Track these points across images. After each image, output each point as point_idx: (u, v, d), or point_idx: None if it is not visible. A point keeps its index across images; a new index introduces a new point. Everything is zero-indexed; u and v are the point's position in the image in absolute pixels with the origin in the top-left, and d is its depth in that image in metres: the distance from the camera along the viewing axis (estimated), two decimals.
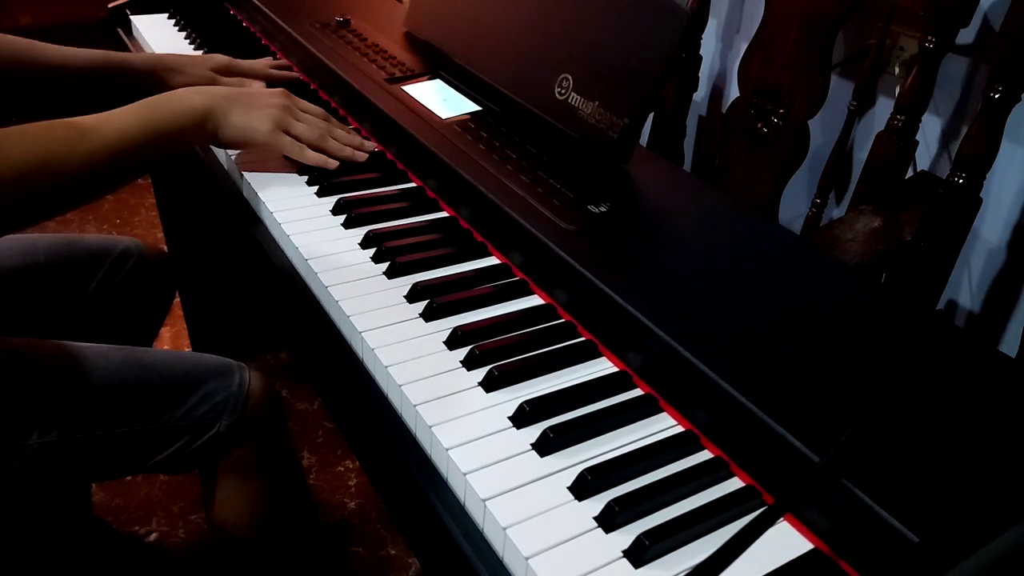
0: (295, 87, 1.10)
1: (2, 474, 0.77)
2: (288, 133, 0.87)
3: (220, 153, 0.96)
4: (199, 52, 1.22)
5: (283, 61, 1.16)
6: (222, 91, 0.86)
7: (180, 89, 0.84)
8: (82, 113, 0.76)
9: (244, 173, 0.89)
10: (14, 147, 0.68)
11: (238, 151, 0.92)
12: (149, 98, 0.81)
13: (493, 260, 0.78)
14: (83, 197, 0.76)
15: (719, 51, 1.47)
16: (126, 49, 1.29)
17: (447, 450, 0.56)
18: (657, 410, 0.61)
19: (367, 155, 0.92)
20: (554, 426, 0.57)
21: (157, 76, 1.04)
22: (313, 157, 0.88)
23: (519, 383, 0.63)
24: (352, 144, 0.92)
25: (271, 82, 1.08)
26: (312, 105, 0.92)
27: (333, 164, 0.88)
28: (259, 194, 0.85)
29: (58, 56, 1.01)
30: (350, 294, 0.71)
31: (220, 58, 1.08)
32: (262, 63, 1.12)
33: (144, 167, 0.82)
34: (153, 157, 0.80)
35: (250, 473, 0.93)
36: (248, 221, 0.87)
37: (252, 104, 0.86)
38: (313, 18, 1.19)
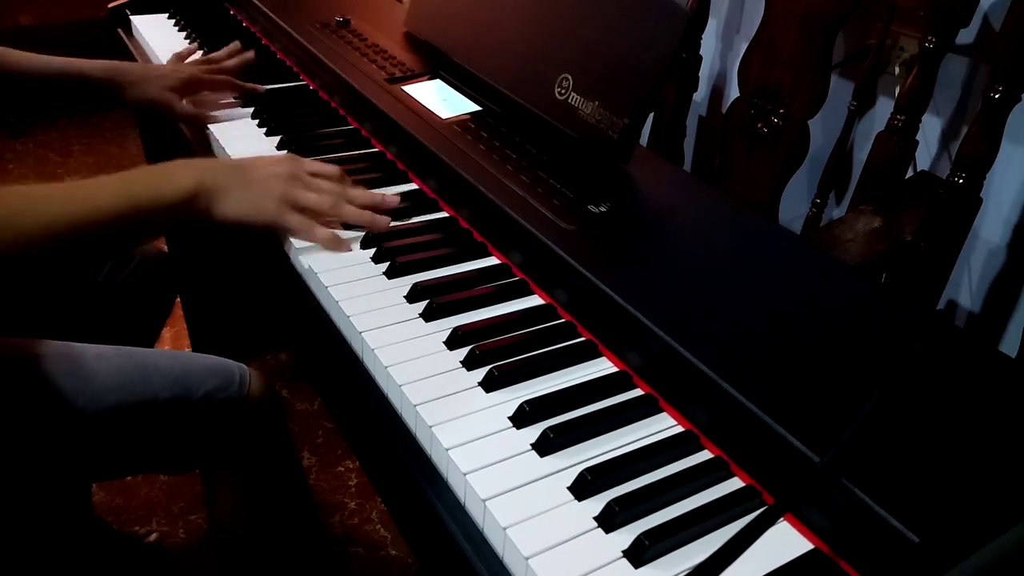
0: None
1: (2, 473, 0.77)
2: (297, 206, 0.77)
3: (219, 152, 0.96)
4: (199, 53, 1.22)
5: (251, 57, 1.12)
6: (218, 166, 0.79)
7: (172, 163, 0.77)
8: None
9: None
10: None
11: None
12: (135, 170, 0.76)
13: (493, 260, 0.78)
14: (44, 259, 0.71)
15: (719, 51, 1.47)
16: (126, 49, 1.29)
17: (447, 450, 0.56)
18: (657, 410, 0.61)
19: (389, 219, 0.81)
20: (554, 426, 0.57)
21: (114, 86, 1.02)
22: (325, 238, 0.77)
23: (519, 383, 0.63)
24: (373, 203, 0.81)
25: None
26: (323, 165, 0.82)
27: (347, 249, 0.77)
28: None
29: (26, 63, 1.00)
30: (350, 294, 0.71)
31: (184, 71, 1.04)
32: (228, 66, 1.08)
33: (124, 241, 0.77)
34: (134, 234, 0.76)
35: (250, 473, 0.93)
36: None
37: (252, 179, 0.77)
38: (313, 18, 1.19)
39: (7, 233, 0.66)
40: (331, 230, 0.78)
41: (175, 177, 0.75)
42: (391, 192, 0.87)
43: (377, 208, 0.81)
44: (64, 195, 0.70)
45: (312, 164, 0.82)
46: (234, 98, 1.06)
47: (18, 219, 0.66)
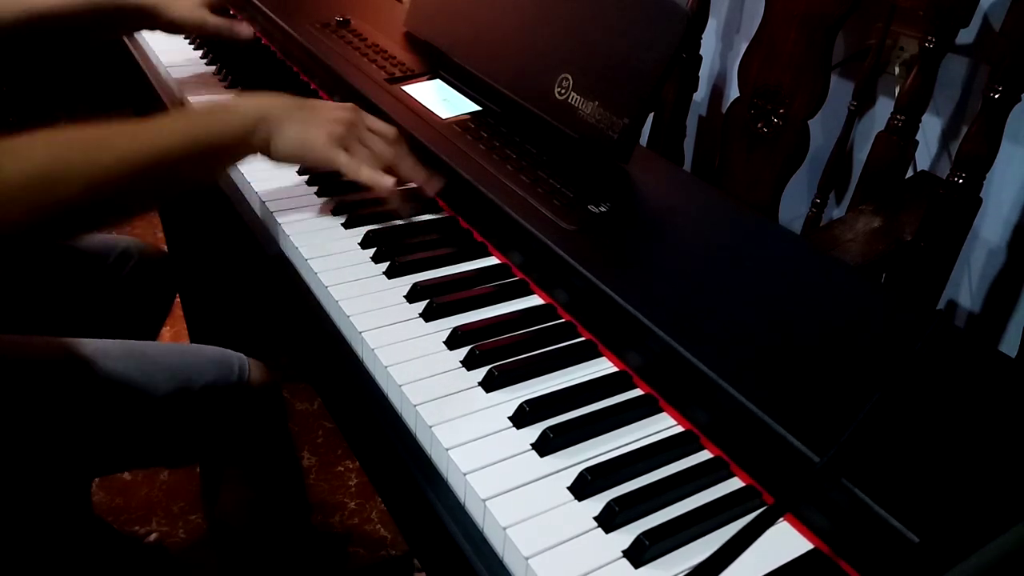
0: (290, 81, 1.11)
1: (3, 471, 0.77)
2: (348, 151, 0.79)
3: None
4: (199, 52, 1.22)
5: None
6: (280, 101, 0.79)
7: (234, 98, 0.78)
8: (99, 108, 0.73)
9: (243, 172, 0.88)
10: (23, 153, 0.62)
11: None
12: (196, 106, 0.77)
13: (493, 260, 0.78)
14: (108, 212, 0.71)
15: (719, 51, 1.47)
16: (126, 49, 1.29)
17: (447, 450, 0.56)
18: (657, 410, 0.61)
19: (437, 189, 0.82)
20: (554, 426, 0.57)
21: (147, 10, 1.04)
22: (369, 176, 0.78)
23: (519, 383, 0.63)
24: (417, 178, 0.82)
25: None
26: (383, 124, 0.83)
27: (390, 182, 0.78)
28: (259, 195, 0.85)
29: (46, 3, 0.99)
30: (350, 294, 0.71)
31: None
32: None
33: (185, 182, 0.76)
34: (195, 171, 0.75)
35: (252, 462, 0.93)
36: (247, 220, 0.87)
37: (311, 117, 0.79)
38: (313, 18, 1.19)
39: (76, 177, 0.64)
40: (377, 171, 0.79)
41: (239, 109, 0.77)
42: None
43: (421, 182, 0.83)
44: (131, 134, 0.69)
45: (372, 120, 0.83)
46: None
47: (88, 160, 0.65)
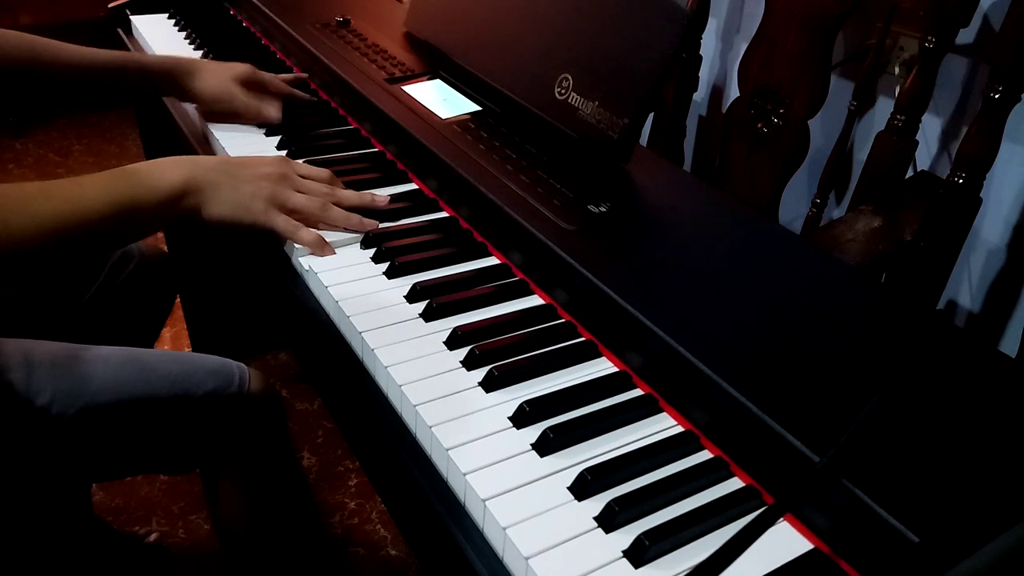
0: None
1: (3, 474, 0.77)
2: (284, 208, 0.77)
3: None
4: (199, 52, 1.22)
5: (302, 76, 1.11)
6: (208, 163, 0.77)
7: (159, 160, 0.76)
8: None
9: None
10: None
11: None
12: (122, 168, 0.74)
13: (493, 260, 0.78)
14: (22, 271, 0.68)
15: (719, 51, 1.47)
16: (126, 49, 1.29)
17: (447, 450, 0.56)
18: (657, 410, 0.61)
19: (377, 223, 0.80)
20: (554, 426, 0.57)
21: (173, 79, 0.99)
22: (310, 241, 0.76)
23: (519, 383, 0.63)
24: (362, 204, 0.81)
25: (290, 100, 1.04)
26: (314, 168, 0.83)
27: (331, 252, 0.77)
28: None
29: (76, 56, 0.97)
30: (350, 294, 0.71)
31: (242, 67, 1.01)
32: (283, 79, 1.05)
33: (111, 241, 0.75)
34: (119, 235, 0.74)
35: (250, 473, 0.93)
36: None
37: (241, 179, 0.77)
38: (313, 18, 1.19)
39: (9, 229, 0.64)
40: (317, 232, 0.77)
41: (164, 173, 0.74)
42: (391, 192, 0.87)
43: (366, 209, 0.81)
44: (51, 195, 0.68)
45: (302, 167, 0.82)
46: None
47: (5, 221, 0.64)
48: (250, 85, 1.01)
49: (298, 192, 0.79)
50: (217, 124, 1.00)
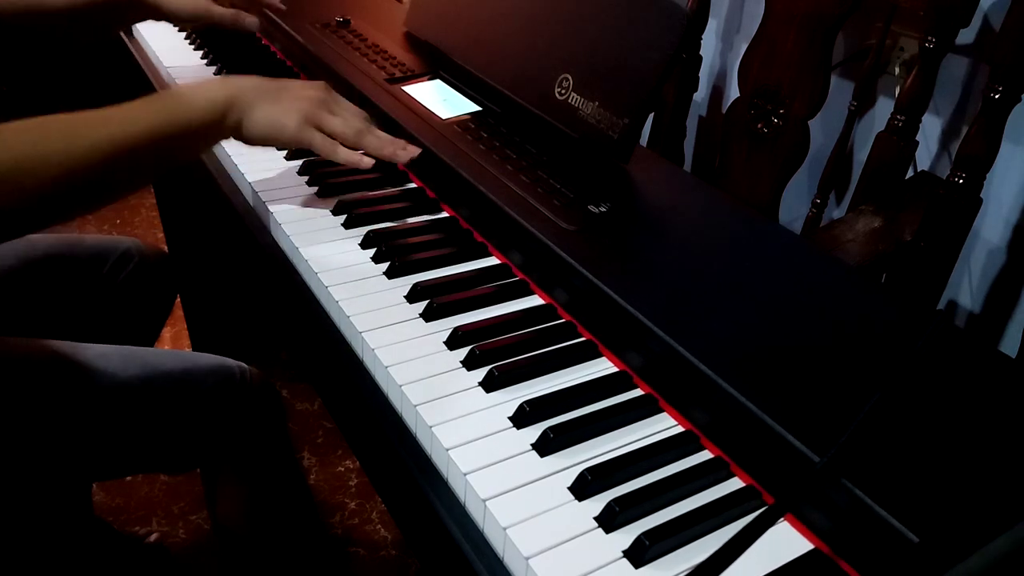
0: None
1: (3, 473, 0.77)
2: (321, 129, 0.81)
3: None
4: (199, 52, 1.22)
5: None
6: (249, 82, 0.79)
7: (202, 81, 0.79)
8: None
9: (243, 172, 0.88)
10: (2, 143, 0.62)
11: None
12: (166, 90, 0.77)
13: (493, 260, 0.78)
14: (82, 200, 0.70)
15: (719, 51, 1.47)
16: (126, 49, 1.29)
17: (447, 450, 0.56)
18: (657, 410, 0.61)
19: (411, 157, 0.84)
20: (554, 426, 0.57)
21: (154, 3, 1.02)
22: (346, 156, 0.80)
23: (519, 383, 0.63)
24: (394, 144, 0.85)
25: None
26: (351, 104, 0.87)
27: (368, 163, 0.81)
28: (259, 194, 0.85)
29: (58, 1, 0.98)
30: (350, 294, 0.71)
31: None
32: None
33: (159, 167, 0.76)
34: (168, 156, 0.75)
35: (250, 472, 0.93)
36: (248, 221, 0.87)
37: (281, 97, 0.79)
38: (313, 18, 1.19)
39: (52, 164, 0.64)
40: (353, 152, 0.80)
41: (208, 92, 0.77)
42: (391, 192, 0.87)
43: (399, 148, 0.84)
44: (103, 121, 0.69)
45: (341, 98, 0.85)
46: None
47: (61, 147, 0.65)
48: (224, 2, 1.06)
49: (335, 117, 0.81)
50: None
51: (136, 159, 0.71)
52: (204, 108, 0.76)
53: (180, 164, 0.81)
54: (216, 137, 0.79)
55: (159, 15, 1.05)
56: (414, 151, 0.85)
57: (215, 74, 1.15)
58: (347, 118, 0.83)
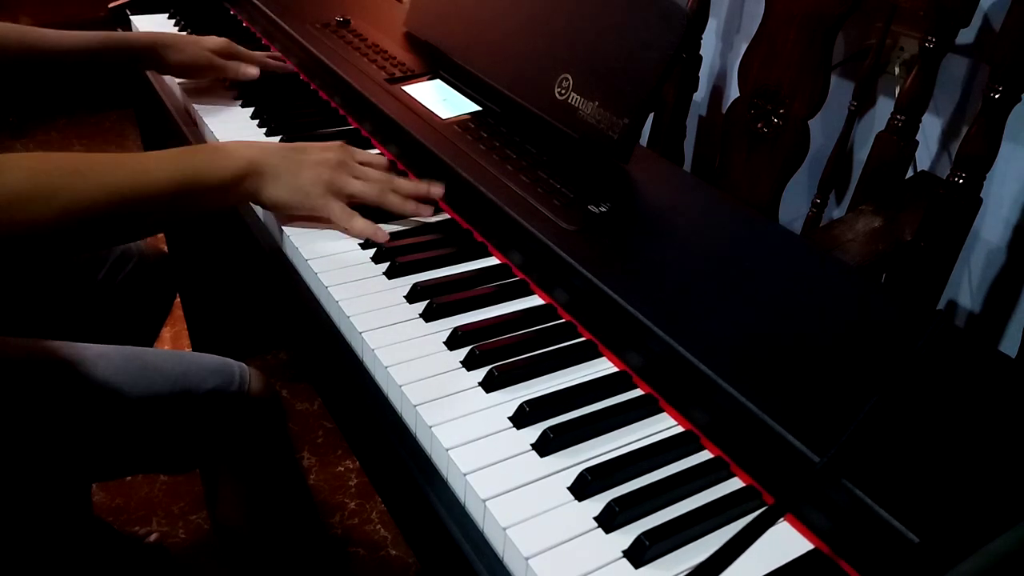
0: (290, 81, 1.12)
1: (3, 473, 0.77)
2: (343, 193, 0.79)
3: None
4: None
5: (278, 55, 1.18)
6: (270, 148, 0.78)
7: (225, 142, 0.77)
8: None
9: None
10: (11, 170, 0.62)
11: None
12: (189, 147, 0.76)
13: (493, 260, 0.78)
14: (78, 241, 0.70)
15: (719, 51, 1.47)
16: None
17: (447, 450, 0.56)
18: (657, 410, 0.61)
19: (432, 208, 0.82)
20: (554, 426, 0.57)
21: (155, 53, 1.04)
22: (362, 228, 0.78)
23: (519, 383, 0.63)
24: (418, 194, 0.82)
25: (266, 71, 1.10)
26: (372, 155, 0.84)
27: (383, 237, 0.77)
28: None
29: (63, 40, 1.00)
30: (350, 294, 0.71)
31: (219, 40, 1.08)
32: (260, 54, 1.12)
33: (170, 218, 0.75)
34: (177, 211, 0.74)
35: (250, 473, 0.93)
36: (247, 221, 0.87)
37: (301, 166, 0.78)
38: (313, 18, 1.19)
39: (58, 200, 0.64)
40: (370, 222, 0.78)
41: (229, 155, 0.76)
42: None
43: (422, 197, 0.82)
44: (116, 164, 0.69)
45: (361, 153, 0.84)
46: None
47: (72, 186, 0.65)
48: (226, 56, 1.07)
49: (356, 179, 0.80)
50: (215, 123, 1.00)
51: (143, 208, 0.70)
52: (222, 169, 0.75)
53: (190, 220, 0.81)
54: (230, 200, 0.77)
55: (162, 67, 1.06)
56: (438, 193, 0.83)
57: None
58: (368, 176, 0.80)
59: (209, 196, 0.75)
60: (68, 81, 1.03)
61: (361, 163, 0.82)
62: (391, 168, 0.84)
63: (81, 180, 0.66)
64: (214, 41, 1.07)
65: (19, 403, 0.78)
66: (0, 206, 0.61)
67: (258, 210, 0.86)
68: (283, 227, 0.80)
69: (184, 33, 1.14)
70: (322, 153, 0.80)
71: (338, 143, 0.83)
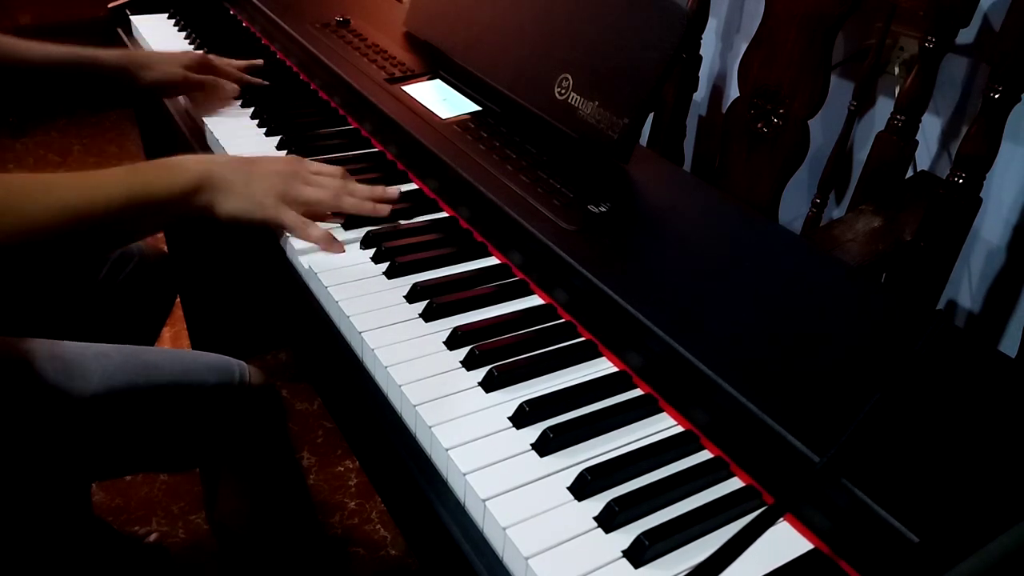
0: (290, 81, 1.12)
1: (3, 472, 0.77)
2: (296, 202, 0.79)
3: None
4: (199, 53, 1.21)
5: (259, 62, 1.14)
6: (221, 160, 0.79)
7: (174, 158, 0.78)
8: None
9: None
10: None
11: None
12: (138, 164, 0.76)
13: (493, 260, 0.78)
14: (37, 256, 0.70)
15: (719, 51, 1.47)
16: (125, 49, 1.29)
17: (447, 450, 0.56)
18: (657, 410, 0.61)
19: (389, 208, 0.82)
20: (554, 426, 0.57)
21: (126, 72, 1.02)
22: (318, 236, 0.77)
23: (519, 383, 0.63)
24: (373, 196, 0.82)
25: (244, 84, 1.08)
26: (325, 165, 0.84)
27: (339, 249, 0.77)
28: None
29: (28, 52, 0.98)
30: (350, 294, 0.71)
31: (193, 54, 1.05)
32: (236, 64, 1.09)
33: (122, 235, 0.77)
34: (134, 225, 0.75)
35: (250, 471, 0.93)
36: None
37: (252, 178, 0.78)
38: (313, 18, 1.19)
39: (9, 220, 0.65)
40: (326, 229, 0.78)
41: (179, 170, 0.76)
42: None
43: (377, 199, 0.82)
44: (69, 183, 0.70)
45: (314, 164, 0.84)
46: (239, 95, 1.07)
47: (22, 206, 0.66)
48: (202, 71, 1.05)
49: (309, 187, 0.80)
50: (216, 124, 1.00)
51: (98, 225, 0.71)
52: (175, 184, 0.75)
53: (144, 235, 0.82)
54: (184, 213, 0.77)
55: (134, 87, 1.03)
56: (392, 195, 0.84)
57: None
58: (322, 183, 0.81)
59: (161, 210, 0.75)
60: (39, 93, 1.03)
61: (314, 172, 0.82)
62: (345, 175, 0.84)
63: (31, 200, 0.67)
64: (188, 57, 1.05)
65: (19, 402, 0.78)
66: None
67: None
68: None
69: (158, 51, 1.11)
70: (273, 164, 0.80)
71: (290, 156, 0.84)
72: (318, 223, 0.79)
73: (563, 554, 0.49)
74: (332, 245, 0.77)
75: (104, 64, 1.02)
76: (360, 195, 0.82)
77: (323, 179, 0.81)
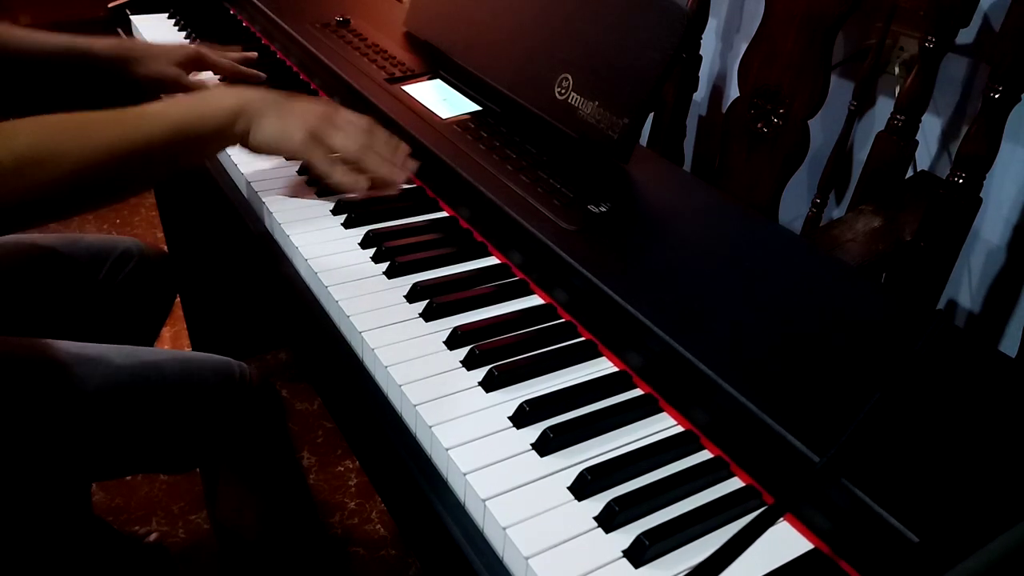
0: (290, 81, 1.11)
1: (3, 472, 0.77)
2: (324, 143, 0.81)
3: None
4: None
5: (253, 55, 1.13)
6: (259, 94, 0.81)
7: (213, 90, 0.80)
8: (48, 97, 0.73)
9: (244, 173, 0.88)
10: (18, 135, 0.64)
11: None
12: (181, 96, 0.78)
13: (493, 260, 0.78)
14: (90, 197, 0.72)
15: (719, 51, 1.47)
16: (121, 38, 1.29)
17: (447, 450, 0.56)
18: (657, 410, 0.61)
19: (407, 175, 0.85)
20: (554, 426, 0.57)
21: (120, 62, 1.02)
22: (340, 180, 0.81)
23: (519, 383, 0.63)
24: (394, 159, 0.84)
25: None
26: (357, 115, 0.86)
27: (362, 188, 0.81)
28: (259, 195, 0.85)
29: (25, 40, 0.99)
30: (350, 294, 0.71)
31: (188, 49, 1.05)
32: (231, 57, 1.09)
33: (167, 168, 0.78)
34: (177, 158, 0.77)
35: (250, 472, 0.93)
36: (248, 223, 0.87)
37: (288, 110, 0.81)
38: (313, 18, 1.19)
39: (66, 161, 0.65)
40: (353, 173, 0.81)
41: (219, 99, 0.79)
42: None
43: (399, 163, 0.85)
44: (117, 120, 0.71)
45: (347, 113, 0.85)
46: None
47: (73, 144, 0.66)
48: (196, 66, 1.05)
49: (339, 132, 0.82)
50: None
51: (146, 160, 0.73)
52: (216, 114, 0.77)
53: (187, 167, 0.83)
54: (224, 143, 0.81)
55: (127, 80, 1.04)
56: (413, 166, 0.86)
57: (215, 74, 1.14)
58: (351, 133, 0.83)
59: (205, 141, 0.78)
60: (34, 84, 1.02)
61: (346, 121, 0.84)
62: (374, 126, 0.86)
63: (84, 139, 0.67)
64: (183, 51, 1.05)
65: (19, 402, 0.78)
66: (10, 171, 0.62)
67: (261, 210, 0.86)
68: (284, 227, 0.80)
69: (155, 43, 1.10)
70: (308, 103, 0.83)
71: (325, 100, 0.85)
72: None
73: (563, 554, 0.49)
74: (359, 183, 0.81)
75: (97, 54, 1.02)
76: (383, 153, 0.84)
77: (353, 129, 0.83)
